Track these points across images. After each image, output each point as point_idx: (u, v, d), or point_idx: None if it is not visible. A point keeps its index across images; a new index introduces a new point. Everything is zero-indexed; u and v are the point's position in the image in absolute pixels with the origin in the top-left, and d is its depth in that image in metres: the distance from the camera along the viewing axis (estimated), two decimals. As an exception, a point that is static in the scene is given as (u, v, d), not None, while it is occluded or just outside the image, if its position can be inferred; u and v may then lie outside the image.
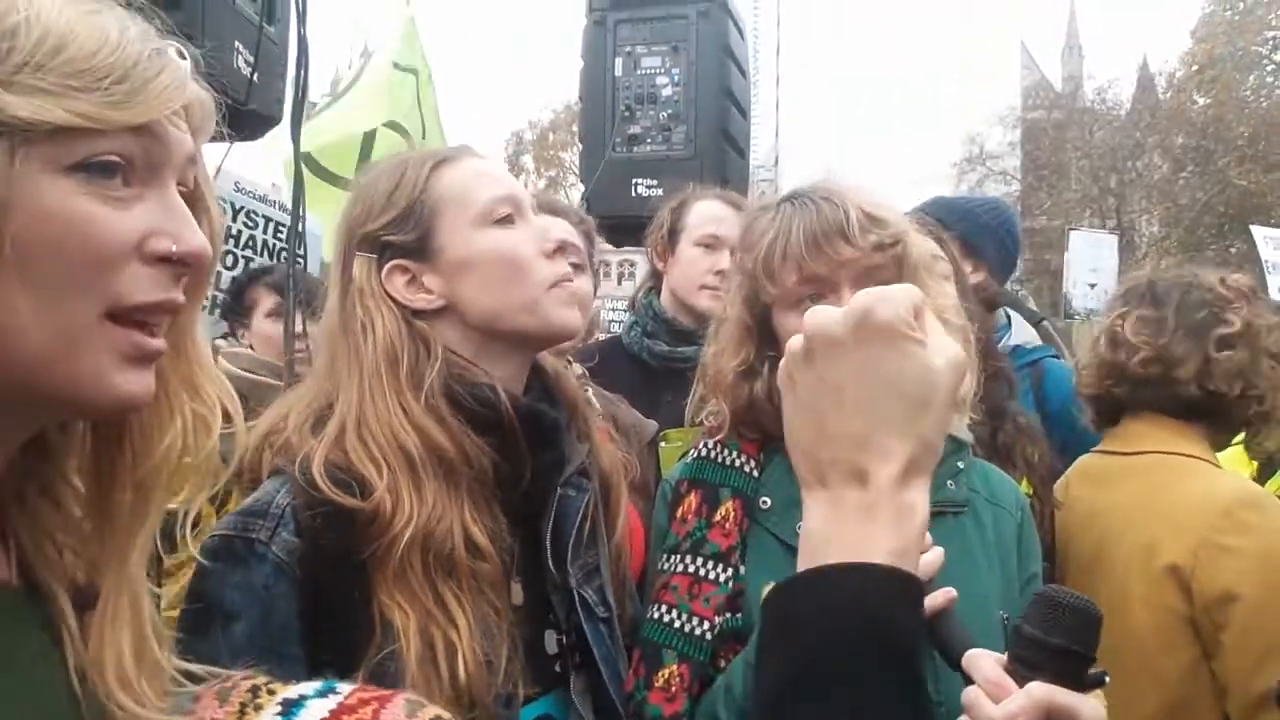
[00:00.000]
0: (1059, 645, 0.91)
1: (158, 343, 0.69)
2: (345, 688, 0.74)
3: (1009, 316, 2.76)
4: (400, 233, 1.26)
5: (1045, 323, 3.12)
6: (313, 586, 1.13)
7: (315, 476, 1.13)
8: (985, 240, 2.68)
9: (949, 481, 1.41)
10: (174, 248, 0.68)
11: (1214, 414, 1.85)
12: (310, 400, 1.25)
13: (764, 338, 1.45)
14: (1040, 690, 0.88)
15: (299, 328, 1.94)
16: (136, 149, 0.67)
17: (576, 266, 1.74)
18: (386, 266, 1.26)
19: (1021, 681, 0.91)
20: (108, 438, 0.74)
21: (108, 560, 0.73)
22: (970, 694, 0.95)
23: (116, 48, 0.66)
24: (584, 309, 1.71)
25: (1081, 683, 0.91)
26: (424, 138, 4.64)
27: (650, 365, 2.42)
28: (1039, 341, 2.85)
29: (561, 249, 1.30)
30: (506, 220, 1.27)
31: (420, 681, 1.09)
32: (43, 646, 0.69)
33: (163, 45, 0.70)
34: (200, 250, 0.70)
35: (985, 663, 0.96)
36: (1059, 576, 1.91)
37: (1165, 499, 1.79)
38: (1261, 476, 3.76)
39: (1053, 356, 2.74)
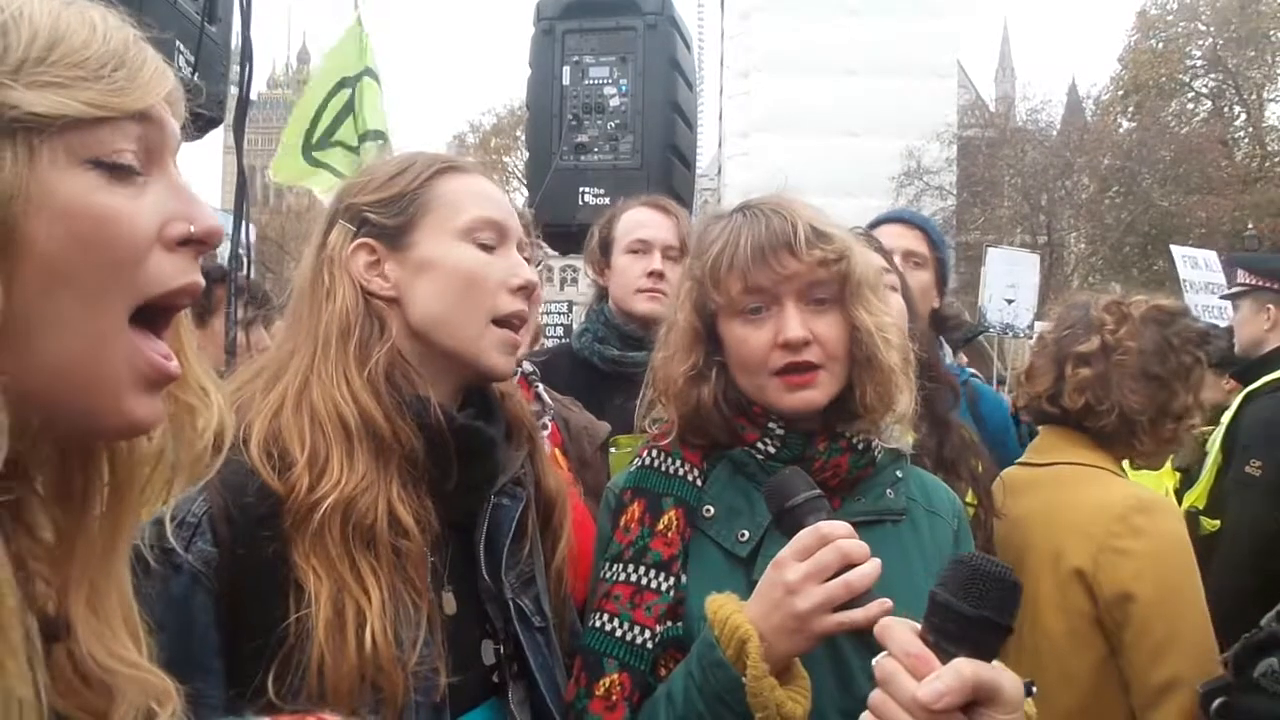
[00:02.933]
0: (983, 617, 0.89)
1: (174, 366, 0.69)
2: None
3: (940, 339, 2.89)
4: (383, 214, 1.28)
5: (981, 337, 3.28)
6: (231, 596, 1.11)
7: (252, 449, 1.15)
8: (949, 272, 2.82)
9: (888, 490, 1.45)
10: (191, 229, 0.69)
11: (1083, 427, 1.99)
12: (279, 359, 1.27)
13: (712, 343, 1.46)
14: (969, 668, 0.86)
15: (247, 337, 1.90)
16: (141, 136, 0.67)
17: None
18: (355, 242, 1.27)
19: (941, 654, 0.89)
20: (81, 446, 0.72)
21: (87, 574, 0.72)
22: (886, 666, 0.91)
23: (105, 38, 0.66)
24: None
25: (997, 654, 0.90)
26: (386, 141, 4.67)
27: (600, 369, 2.46)
28: (961, 362, 3.00)
29: (526, 289, 1.31)
30: (486, 246, 1.29)
31: (327, 647, 1.09)
32: None
33: (137, 32, 0.70)
34: (216, 227, 0.70)
35: (901, 633, 0.93)
36: None
37: (1068, 507, 1.92)
38: (1181, 488, 3.93)
39: (974, 376, 2.90)
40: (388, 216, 1.28)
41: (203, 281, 0.71)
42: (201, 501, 1.12)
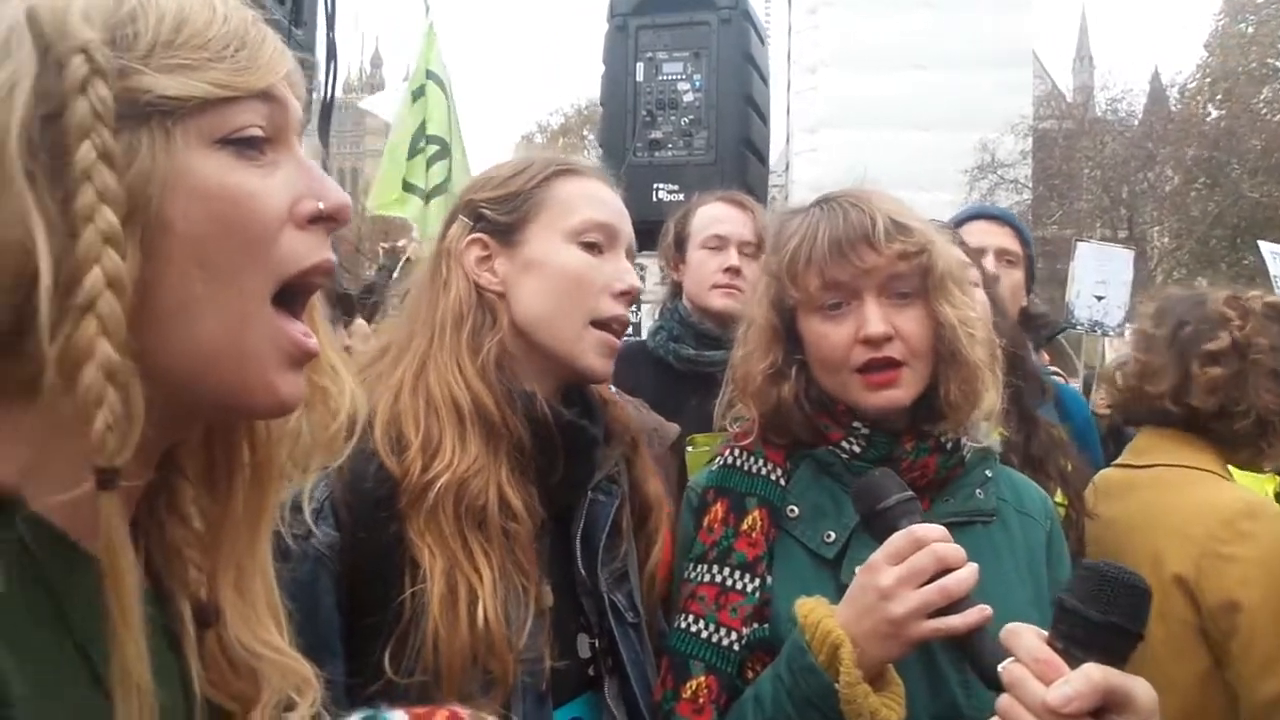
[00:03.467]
0: (1112, 623, 0.88)
1: (313, 344, 0.70)
2: (393, 714, 0.73)
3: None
4: (498, 211, 1.33)
5: (1060, 336, 3.17)
6: (351, 577, 1.15)
7: (377, 432, 1.19)
8: (1034, 269, 2.74)
9: (977, 490, 1.41)
10: (321, 205, 0.69)
11: (1207, 429, 1.89)
12: (399, 341, 1.32)
13: (791, 340, 1.43)
14: (1099, 673, 0.85)
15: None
16: (266, 114, 0.68)
17: None
18: (469, 236, 1.32)
19: (1070, 661, 0.88)
20: (223, 430, 0.74)
21: (233, 558, 0.73)
22: (1014, 671, 0.90)
23: (225, 18, 0.67)
24: None
25: (1127, 661, 0.89)
26: (455, 149, 4.69)
27: (676, 369, 2.43)
28: (1043, 360, 2.92)
29: (629, 294, 1.33)
30: (594, 247, 1.31)
31: (441, 622, 1.11)
32: (164, 653, 0.69)
33: (254, 13, 0.71)
34: (345, 203, 0.71)
35: (1029, 638, 0.92)
36: None
37: (1170, 510, 1.83)
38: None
39: (1055, 374, 2.82)
40: (502, 213, 1.32)
41: (334, 259, 0.72)
42: (323, 487, 1.16)
